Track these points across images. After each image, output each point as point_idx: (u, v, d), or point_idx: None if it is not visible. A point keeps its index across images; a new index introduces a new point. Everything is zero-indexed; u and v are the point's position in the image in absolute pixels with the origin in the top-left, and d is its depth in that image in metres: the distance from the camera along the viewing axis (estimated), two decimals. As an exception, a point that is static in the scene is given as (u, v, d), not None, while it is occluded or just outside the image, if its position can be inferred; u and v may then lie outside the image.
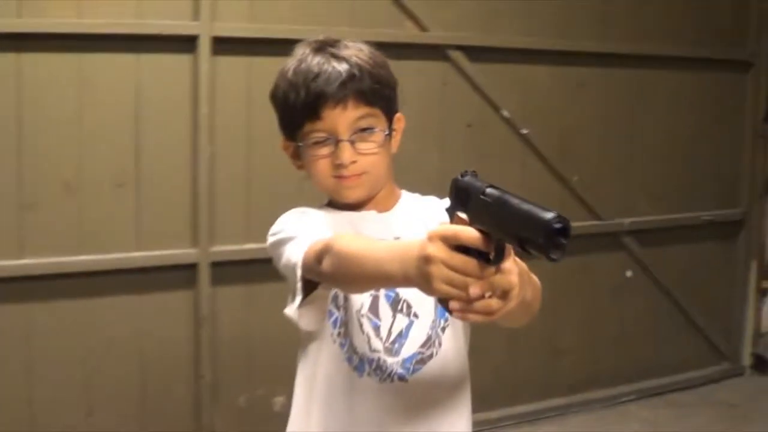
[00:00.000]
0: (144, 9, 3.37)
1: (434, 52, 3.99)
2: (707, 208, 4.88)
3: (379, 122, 1.60)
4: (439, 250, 1.12)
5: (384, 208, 1.68)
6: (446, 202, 1.69)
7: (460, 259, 1.12)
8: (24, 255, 3.29)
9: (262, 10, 3.59)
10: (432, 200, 1.73)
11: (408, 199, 1.73)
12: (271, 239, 1.61)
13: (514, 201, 1.07)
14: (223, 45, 3.48)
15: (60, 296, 3.38)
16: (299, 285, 1.44)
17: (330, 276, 1.38)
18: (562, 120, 4.35)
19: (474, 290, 1.12)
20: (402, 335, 1.60)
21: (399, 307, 1.61)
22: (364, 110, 1.57)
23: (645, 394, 4.72)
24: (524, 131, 4.22)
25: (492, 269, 1.13)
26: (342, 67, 1.55)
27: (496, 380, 4.23)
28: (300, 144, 1.60)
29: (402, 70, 3.71)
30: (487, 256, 1.13)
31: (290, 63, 1.61)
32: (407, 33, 3.90)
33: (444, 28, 3.97)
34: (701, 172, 4.84)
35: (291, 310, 1.47)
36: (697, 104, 4.76)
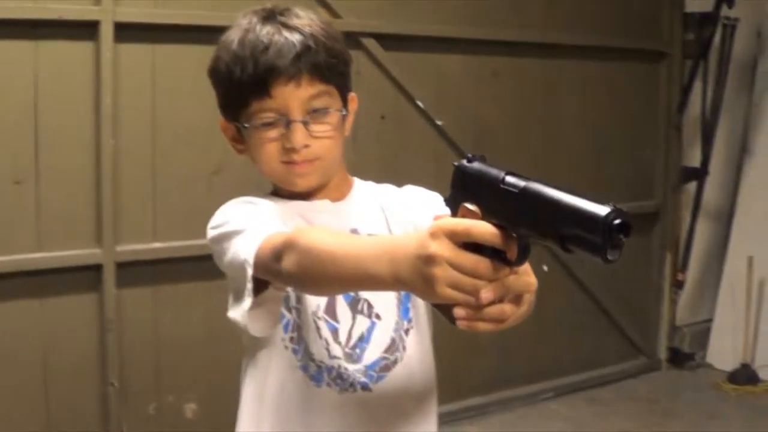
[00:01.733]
0: (41, -8, 3.18)
1: (347, 40, 3.84)
2: (622, 200, 4.79)
3: (335, 102, 1.45)
4: (444, 249, 0.96)
5: (337, 196, 1.52)
6: (407, 189, 1.56)
7: (470, 259, 0.96)
8: None
9: (166, -7, 3.43)
10: (389, 188, 1.59)
11: (362, 186, 1.58)
12: (211, 233, 1.43)
13: (551, 192, 0.91)
14: (127, 31, 3.31)
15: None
16: (249, 285, 1.27)
17: (293, 276, 1.20)
18: (477, 110, 4.30)
19: (486, 294, 0.97)
20: (363, 339, 1.44)
21: (359, 308, 1.45)
22: (318, 87, 1.41)
23: (563, 391, 4.70)
24: (439, 122, 4.15)
25: (507, 270, 0.98)
26: (295, 38, 1.39)
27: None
28: (246, 125, 1.43)
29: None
30: (502, 255, 0.97)
31: (234, 33, 1.43)
32: (319, 20, 3.77)
33: (357, 16, 3.87)
34: (615, 163, 4.83)
35: (238, 313, 1.30)
36: (610, 94, 4.75)
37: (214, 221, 1.44)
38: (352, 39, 3.87)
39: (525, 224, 0.95)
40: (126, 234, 3.43)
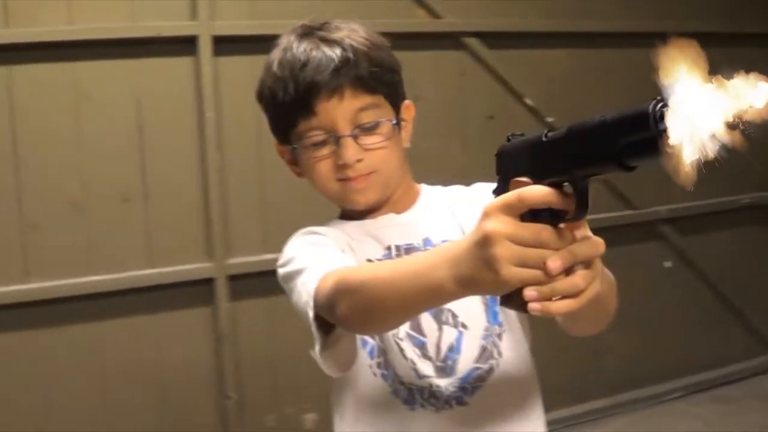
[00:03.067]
0: (138, 10, 3.23)
1: (449, 40, 3.82)
2: (747, 191, 4.64)
3: (384, 111, 1.39)
4: (501, 224, 0.89)
5: (404, 208, 1.46)
6: (475, 188, 1.47)
7: (530, 228, 0.89)
8: (30, 279, 3.16)
9: (263, 6, 3.42)
10: (457, 189, 1.51)
11: (429, 192, 1.51)
12: (279, 272, 1.39)
13: (593, 119, 0.86)
14: (225, 45, 3.33)
15: (70, 320, 3.23)
16: (313, 328, 1.22)
17: (351, 320, 1.13)
18: (588, 105, 4.14)
19: (554, 264, 0.88)
20: (453, 350, 1.37)
21: (444, 318, 1.38)
22: (364, 99, 1.35)
23: (690, 390, 4.53)
24: (550, 119, 4.03)
25: (570, 235, 0.91)
26: (334, 52, 1.34)
27: (536, 384, 4.02)
28: (295, 146, 1.39)
29: (416, 62, 3.53)
30: (562, 216, 0.91)
31: (274, 54, 1.40)
32: (419, 22, 3.73)
33: (458, 15, 3.79)
34: (739, 153, 4.59)
35: (315, 353, 1.24)
36: (731, 81, 4.52)
37: (281, 258, 1.40)
38: (454, 39, 3.81)
39: (581, 161, 0.88)
40: (236, 247, 3.43)
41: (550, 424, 4.52)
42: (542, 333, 4.19)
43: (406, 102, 1.46)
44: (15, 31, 3.06)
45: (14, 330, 3.15)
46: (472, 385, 1.36)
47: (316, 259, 1.29)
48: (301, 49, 1.36)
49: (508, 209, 0.89)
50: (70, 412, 3.23)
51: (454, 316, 1.38)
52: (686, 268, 4.53)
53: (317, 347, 1.22)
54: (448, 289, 0.97)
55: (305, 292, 1.24)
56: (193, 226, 3.38)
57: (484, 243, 0.89)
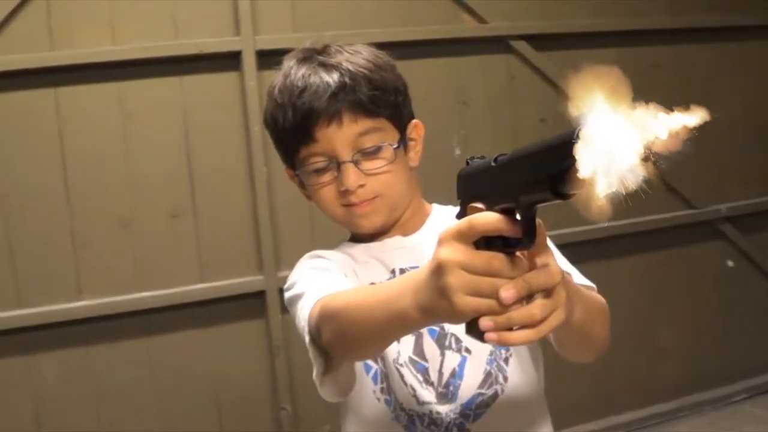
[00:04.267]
0: (181, 28, 3.25)
1: (496, 44, 3.76)
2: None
3: (387, 135, 1.37)
4: (453, 252, 0.86)
5: (411, 229, 1.44)
6: None
7: (482, 257, 0.86)
8: (82, 296, 3.19)
9: (305, 18, 3.42)
10: None
11: (439, 212, 1.49)
12: (285, 295, 1.39)
13: (524, 147, 0.85)
14: (269, 58, 3.29)
15: (124, 336, 3.26)
16: (310, 353, 1.21)
17: (335, 346, 1.13)
18: (639, 103, 4.05)
19: (507, 293, 0.85)
20: (455, 375, 1.35)
21: (446, 343, 1.36)
22: (364, 124, 1.34)
23: (757, 392, 4.40)
24: (602, 120, 3.95)
25: (525, 263, 0.87)
26: (331, 77, 1.33)
27: (592, 389, 3.99)
28: (297, 173, 1.40)
29: (464, 67, 3.50)
30: (516, 243, 0.87)
31: (276, 80, 1.40)
32: (466, 27, 3.68)
33: (504, 18, 3.73)
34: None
35: (314, 378, 1.23)
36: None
37: (287, 281, 1.40)
38: (502, 43, 3.75)
39: (519, 187, 0.85)
40: (286, 258, 3.42)
41: (612, 428, 4.46)
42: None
43: (414, 121, 1.44)
44: (60, 53, 3.10)
45: (69, 346, 3.19)
46: (475, 411, 1.34)
47: (315, 284, 1.28)
48: (299, 74, 1.35)
49: (460, 237, 0.87)
50: (126, 427, 3.26)
51: (458, 340, 1.36)
52: (749, 267, 4.40)
53: (315, 372, 1.21)
54: (413, 318, 0.95)
55: (302, 317, 1.24)
56: (242, 240, 3.38)
57: (437, 271, 0.88)
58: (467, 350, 1.36)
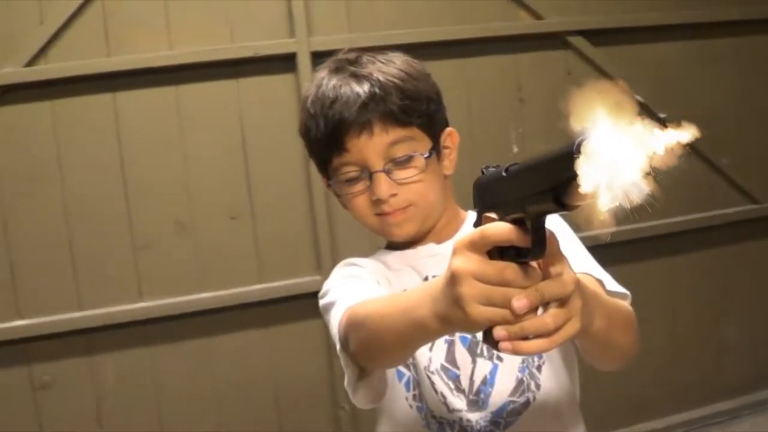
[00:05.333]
0: (236, 31, 3.27)
1: (553, 40, 3.72)
2: None
3: (419, 144, 1.37)
4: (466, 261, 0.87)
5: (445, 237, 1.44)
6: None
7: (495, 267, 0.86)
8: (143, 297, 3.23)
9: (360, 18, 3.42)
10: None
11: (473, 219, 1.48)
12: (320, 302, 1.41)
13: (531, 158, 0.84)
14: (324, 59, 3.29)
15: (184, 337, 3.30)
16: (342, 361, 1.22)
17: (361, 355, 1.14)
18: (701, 99, 3.99)
19: (518, 303, 0.85)
20: (486, 383, 1.34)
21: (478, 351, 1.36)
22: (396, 133, 1.34)
23: (821, 390, 4.33)
24: (662, 115, 3.89)
25: (538, 273, 0.88)
26: (362, 88, 1.34)
27: (657, 386, 3.93)
28: (330, 183, 1.41)
29: (520, 64, 3.47)
30: (528, 253, 0.87)
31: (309, 91, 1.43)
32: (522, 24, 3.65)
33: (560, 14, 3.70)
34: None
35: (346, 384, 1.23)
36: None
37: (322, 289, 1.42)
38: (559, 39, 3.72)
39: (523, 197, 0.85)
40: (344, 258, 3.37)
41: (677, 426, 4.37)
42: (662, 333, 4.09)
43: (448, 129, 1.44)
44: (117, 59, 3.14)
45: (130, 347, 3.24)
46: (506, 419, 1.33)
47: (347, 292, 1.30)
48: (330, 85, 1.37)
49: (473, 246, 0.87)
50: (186, 427, 3.30)
51: (490, 348, 1.33)
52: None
53: (346, 379, 1.21)
54: (431, 327, 0.96)
55: (333, 325, 1.26)
56: (300, 240, 3.40)
57: (451, 281, 0.88)
58: (499, 358, 1.35)
